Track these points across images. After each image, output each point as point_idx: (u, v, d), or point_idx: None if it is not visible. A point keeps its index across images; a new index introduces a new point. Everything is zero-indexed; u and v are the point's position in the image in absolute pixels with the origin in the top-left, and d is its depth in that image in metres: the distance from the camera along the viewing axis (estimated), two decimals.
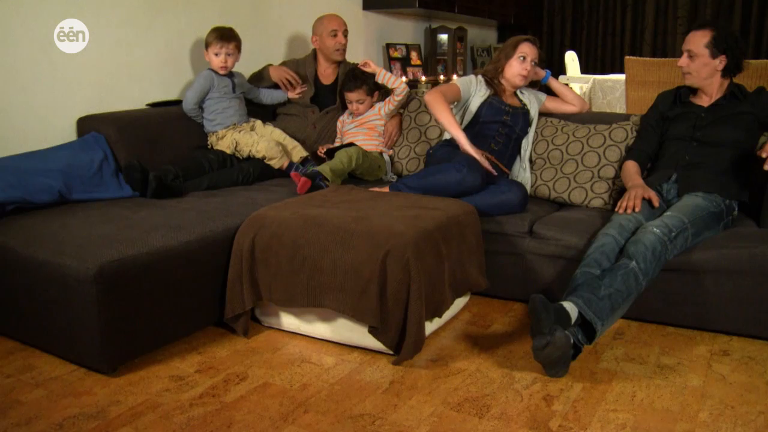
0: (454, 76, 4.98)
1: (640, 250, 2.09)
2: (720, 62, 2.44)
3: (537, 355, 1.94)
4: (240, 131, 2.97)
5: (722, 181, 2.41)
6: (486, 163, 2.65)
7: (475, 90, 2.93)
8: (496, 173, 2.70)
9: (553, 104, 3.10)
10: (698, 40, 2.44)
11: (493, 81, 2.95)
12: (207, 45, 2.95)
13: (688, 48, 2.46)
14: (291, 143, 3.08)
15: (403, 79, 3.27)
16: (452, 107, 2.88)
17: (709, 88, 2.51)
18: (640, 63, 3.95)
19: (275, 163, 2.95)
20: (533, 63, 2.91)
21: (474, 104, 2.90)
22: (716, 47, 2.42)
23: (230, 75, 3.02)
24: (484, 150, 2.78)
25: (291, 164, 2.99)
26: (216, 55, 2.93)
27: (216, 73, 2.96)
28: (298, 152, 3.07)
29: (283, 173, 2.97)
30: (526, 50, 2.88)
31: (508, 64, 2.91)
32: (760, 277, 2.17)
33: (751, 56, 5.26)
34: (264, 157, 2.93)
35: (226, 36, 2.93)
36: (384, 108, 3.19)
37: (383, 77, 3.16)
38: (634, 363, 2.09)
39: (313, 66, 3.36)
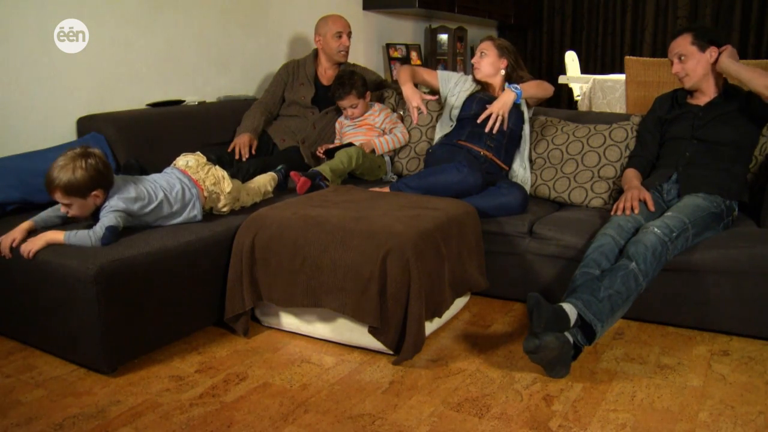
0: None
1: (641, 251, 2.09)
2: (711, 54, 2.45)
3: (531, 357, 1.95)
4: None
5: (723, 181, 2.41)
6: (424, 108, 2.86)
7: (456, 83, 3.00)
8: (423, 113, 2.90)
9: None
10: (682, 42, 2.47)
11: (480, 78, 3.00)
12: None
13: (677, 52, 2.49)
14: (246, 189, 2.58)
15: (402, 131, 3.17)
16: (427, 92, 3.07)
17: (707, 86, 2.51)
18: (640, 63, 3.94)
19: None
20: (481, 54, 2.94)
21: (460, 98, 2.95)
22: (701, 40, 2.45)
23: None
24: (482, 148, 2.80)
25: None
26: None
27: None
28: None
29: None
30: None
31: None
32: (760, 277, 2.17)
33: (751, 56, 5.25)
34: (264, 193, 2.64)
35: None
36: (384, 125, 3.18)
37: (382, 147, 3.11)
38: (634, 363, 2.09)
39: (313, 66, 3.34)
